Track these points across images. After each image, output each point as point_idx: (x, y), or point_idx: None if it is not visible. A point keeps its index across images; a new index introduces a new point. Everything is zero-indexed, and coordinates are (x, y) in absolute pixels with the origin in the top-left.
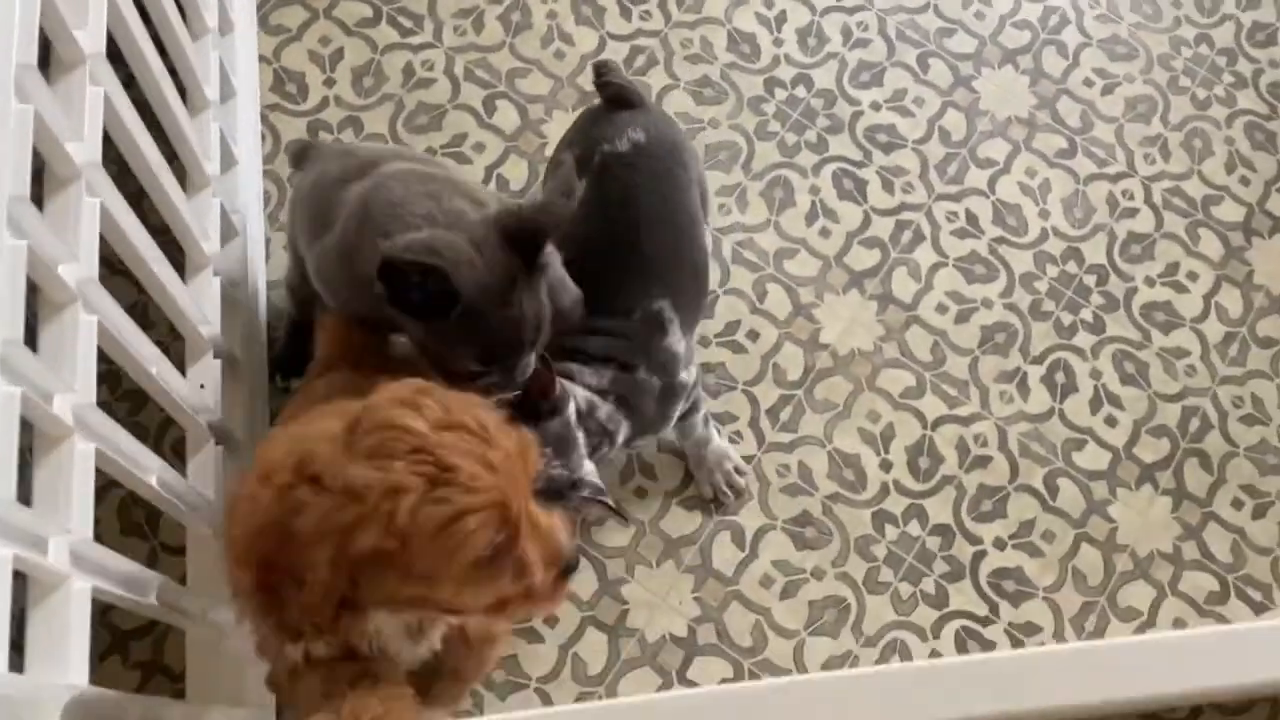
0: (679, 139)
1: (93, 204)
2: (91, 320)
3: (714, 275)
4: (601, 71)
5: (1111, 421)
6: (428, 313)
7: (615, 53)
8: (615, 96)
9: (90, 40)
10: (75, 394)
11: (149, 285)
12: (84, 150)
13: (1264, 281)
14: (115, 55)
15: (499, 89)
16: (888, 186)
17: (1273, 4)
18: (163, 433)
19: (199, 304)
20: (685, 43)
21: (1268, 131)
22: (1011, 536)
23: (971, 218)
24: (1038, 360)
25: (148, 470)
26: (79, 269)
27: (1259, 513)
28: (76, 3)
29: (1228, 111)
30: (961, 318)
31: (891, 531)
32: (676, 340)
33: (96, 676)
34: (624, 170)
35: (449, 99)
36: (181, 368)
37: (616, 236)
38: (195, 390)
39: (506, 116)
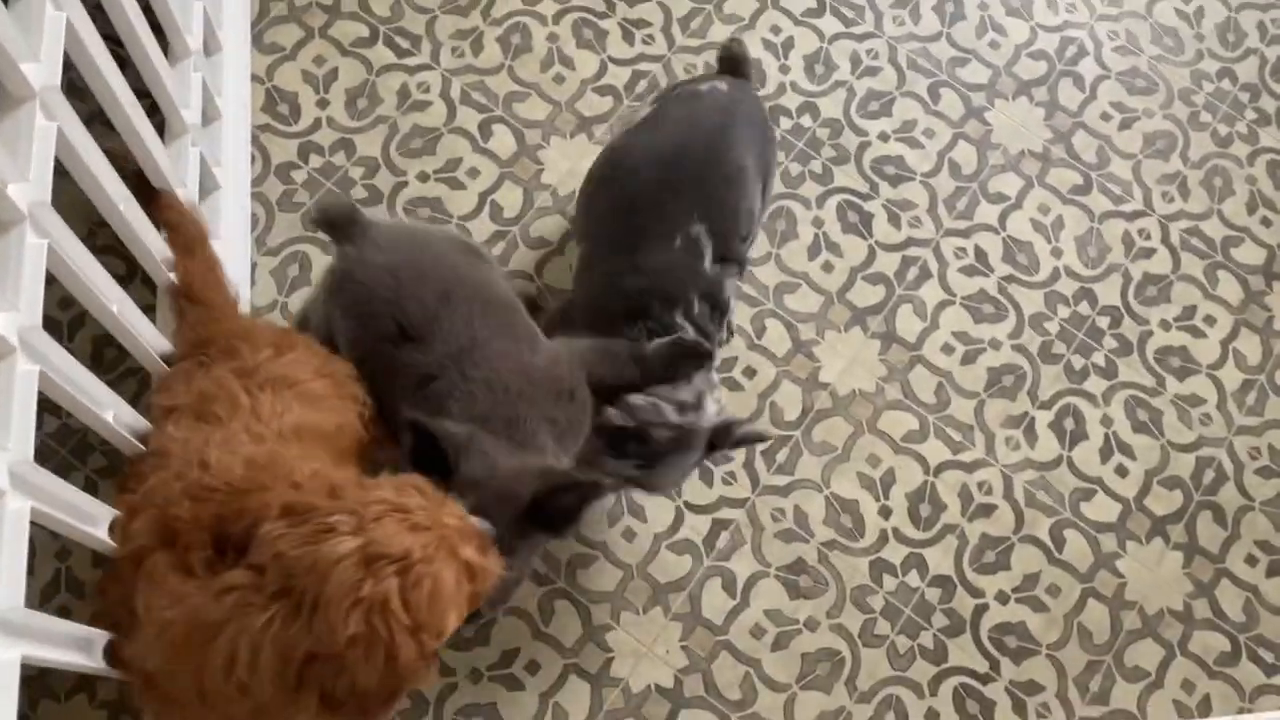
0: (756, 113)
1: (39, 245)
2: (32, 370)
3: None
4: (733, 39)
5: (1122, 471)
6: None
7: (617, 77)
8: (729, 56)
9: (42, 73)
10: (9, 452)
11: (109, 325)
12: (30, 190)
13: None
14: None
15: (496, 113)
16: (894, 220)
17: None
18: None
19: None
20: (689, 68)
21: None
22: (1015, 590)
23: (980, 255)
24: (1046, 405)
25: (96, 521)
26: (20, 317)
27: (1274, 570)
28: (27, 35)
29: (1250, 149)
30: (968, 359)
31: (890, 582)
32: (709, 266)
33: (63, 713)
34: (696, 99)
35: (444, 122)
36: None
37: (674, 149)
38: None
39: (503, 141)
